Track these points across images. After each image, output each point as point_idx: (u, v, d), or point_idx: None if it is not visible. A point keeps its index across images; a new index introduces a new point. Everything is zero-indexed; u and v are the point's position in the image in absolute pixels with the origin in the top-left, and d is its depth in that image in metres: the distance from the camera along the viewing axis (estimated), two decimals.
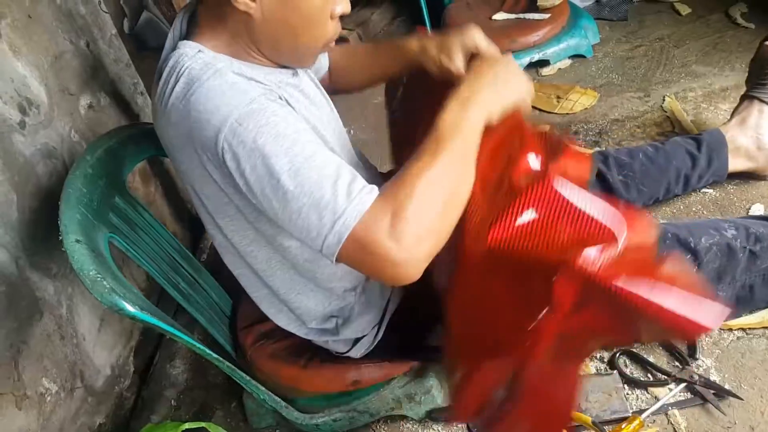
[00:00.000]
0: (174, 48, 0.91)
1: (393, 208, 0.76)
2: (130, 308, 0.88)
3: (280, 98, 0.86)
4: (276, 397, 1.15)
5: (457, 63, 0.99)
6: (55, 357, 1.23)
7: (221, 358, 1.02)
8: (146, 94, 1.77)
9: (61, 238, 0.92)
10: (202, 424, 1.25)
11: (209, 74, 0.83)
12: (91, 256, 0.90)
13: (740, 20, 2.13)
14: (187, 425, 1.22)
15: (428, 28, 2.38)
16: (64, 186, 0.99)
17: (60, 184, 1.10)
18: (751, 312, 1.22)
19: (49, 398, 1.20)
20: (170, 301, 1.24)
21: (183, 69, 0.85)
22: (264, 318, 1.25)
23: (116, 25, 1.47)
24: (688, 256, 1.13)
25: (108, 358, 1.40)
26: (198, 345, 0.98)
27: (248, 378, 1.09)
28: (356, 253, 0.77)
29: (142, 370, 1.52)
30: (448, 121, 0.84)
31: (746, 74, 1.87)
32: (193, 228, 1.83)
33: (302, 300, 1.06)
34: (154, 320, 0.91)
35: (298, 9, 0.86)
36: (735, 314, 1.21)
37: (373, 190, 0.79)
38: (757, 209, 1.43)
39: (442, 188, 0.81)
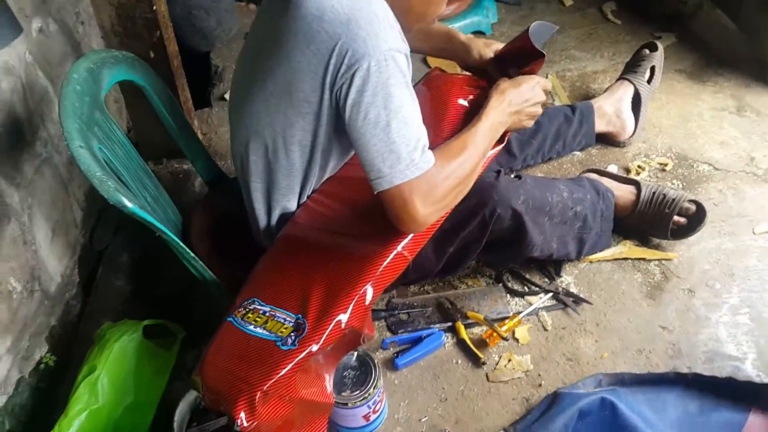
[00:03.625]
0: None
1: (435, 181, 1.07)
2: (130, 205, 1.05)
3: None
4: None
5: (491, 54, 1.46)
6: (20, 260, 1.34)
7: (196, 257, 1.21)
8: (87, 23, 1.83)
9: (66, 143, 1.06)
10: (160, 322, 1.43)
11: (378, 2, 1.03)
12: (94, 160, 1.06)
13: (610, 16, 2.53)
14: (147, 322, 1.39)
15: None
16: (60, 99, 1.11)
17: (22, 100, 1.19)
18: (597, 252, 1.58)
19: (15, 296, 1.32)
20: None
21: None
22: (211, 235, 1.43)
23: None
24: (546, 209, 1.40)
25: (58, 266, 1.52)
26: (181, 244, 1.16)
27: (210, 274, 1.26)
28: (393, 199, 1.05)
29: (85, 282, 1.64)
30: (492, 118, 1.21)
31: (612, 62, 2.28)
32: None
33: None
34: (148, 217, 1.08)
35: None
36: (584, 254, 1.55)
37: (431, 160, 1.06)
38: (612, 168, 1.82)
39: (468, 177, 1.15)
